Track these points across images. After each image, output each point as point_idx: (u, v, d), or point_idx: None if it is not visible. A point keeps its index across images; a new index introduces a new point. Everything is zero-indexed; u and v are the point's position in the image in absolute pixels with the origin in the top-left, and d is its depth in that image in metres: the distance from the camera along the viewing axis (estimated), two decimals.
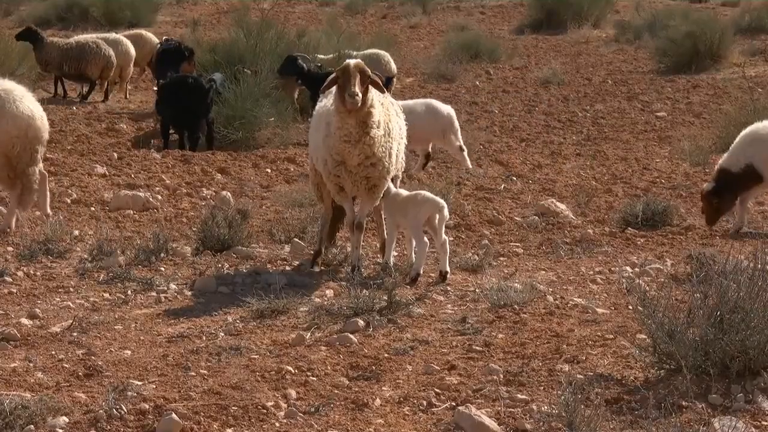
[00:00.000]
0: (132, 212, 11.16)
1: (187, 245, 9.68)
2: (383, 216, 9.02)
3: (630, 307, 7.36)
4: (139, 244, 9.49)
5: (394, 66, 18.46)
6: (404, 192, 8.93)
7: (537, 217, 11.06)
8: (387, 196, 8.77)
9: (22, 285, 8.51)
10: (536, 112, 18.29)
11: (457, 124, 13.59)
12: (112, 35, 19.84)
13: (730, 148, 10.55)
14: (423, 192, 8.91)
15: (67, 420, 5.65)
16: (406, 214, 8.66)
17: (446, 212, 8.68)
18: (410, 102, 13.59)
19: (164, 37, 19.89)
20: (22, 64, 19.03)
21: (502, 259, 9.50)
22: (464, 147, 13.57)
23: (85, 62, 18.17)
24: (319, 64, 17.55)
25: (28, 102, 10.11)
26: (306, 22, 29.81)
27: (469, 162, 13.56)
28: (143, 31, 21.58)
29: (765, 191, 10.51)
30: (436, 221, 8.58)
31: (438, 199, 8.75)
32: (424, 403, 5.94)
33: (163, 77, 16.05)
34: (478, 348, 6.82)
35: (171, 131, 15.23)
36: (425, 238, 8.56)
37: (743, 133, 10.60)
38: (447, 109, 13.64)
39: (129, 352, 6.88)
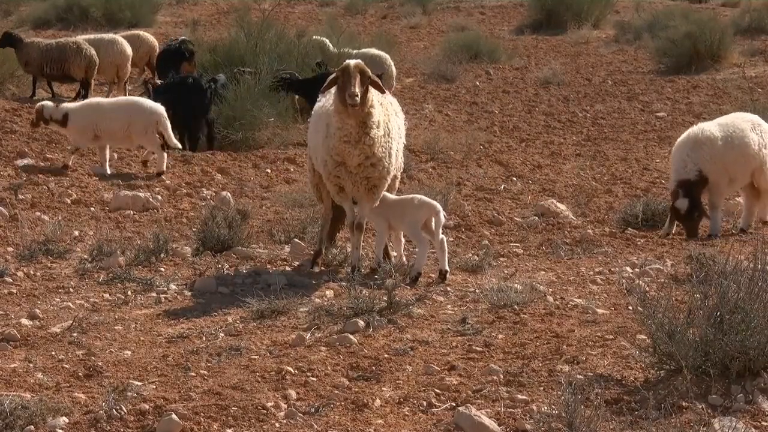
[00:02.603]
0: (132, 213, 11.16)
1: (187, 245, 9.68)
2: (374, 218, 8.98)
3: (630, 308, 7.36)
4: (139, 244, 9.50)
5: (393, 69, 18.48)
6: (391, 196, 8.90)
7: (537, 218, 11.07)
8: (381, 200, 8.79)
9: (22, 285, 8.51)
10: (536, 112, 18.29)
11: (167, 122, 13.11)
12: (109, 35, 19.86)
13: (677, 158, 10.41)
14: (419, 196, 8.93)
15: (67, 420, 5.65)
16: (403, 218, 8.68)
17: (442, 215, 8.71)
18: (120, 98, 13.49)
19: (180, 37, 20.01)
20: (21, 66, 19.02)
21: (502, 259, 9.51)
22: (176, 145, 13.18)
23: (67, 63, 18.12)
24: (318, 61, 17.59)
25: None
26: (306, 23, 29.80)
27: (164, 165, 13.03)
28: (141, 32, 21.58)
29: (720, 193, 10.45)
30: (433, 224, 8.61)
31: (434, 202, 8.77)
32: (424, 403, 5.94)
33: (164, 78, 16.05)
34: (478, 348, 6.82)
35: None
36: (425, 237, 8.58)
37: (682, 140, 10.48)
38: (155, 106, 13.21)
39: (129, 352, 6.88)
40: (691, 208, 10.19)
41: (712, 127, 10.52)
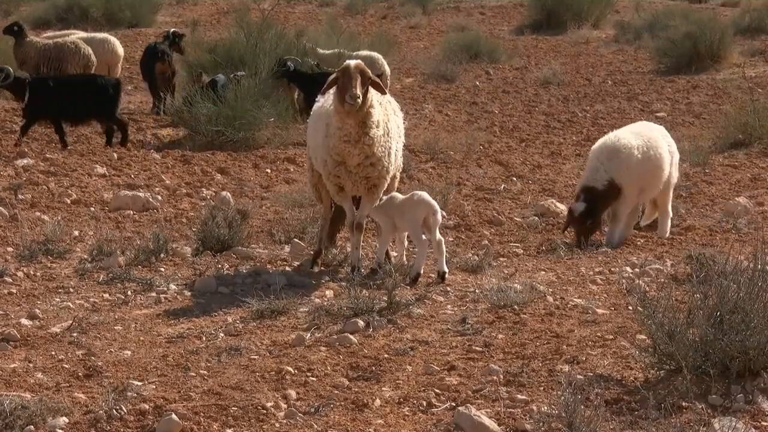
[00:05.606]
0: (132, 212, 11.16)
1: (187, 246, 9.68)
2: (380, 218, 8.99)
3: (630, 308, 7.37)
4: (139, 244, 9.49)
5: (387, 68, 18.47)
6: (400, 196, 8.93)
7: (537, 218, 11.07)
8: (389, 200, 8.80)
9: (22, 285, 8.51)
10: (536, 112, 18.29)
11: None
12: (100, 35, 19.89)
13: (589, 165, 10.15)
14: (418, 192, 8.91)
15: (67, 420, 5.66)
16: (403, 216, 8.69)
17: (439, 215, 8.71)
18: None
19: (172, 30, 20.03)
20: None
21: (501, 259, 9.50)
22: None
23: (65, 63, 18.10)
24: (316, 63, 17.57)
25: None
26: (306, 23, 29.80)
27: None
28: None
29: (625, 205, 10.24)
30: (431, 222, 8.61)
31: (432, 201, 8.76)
32: (424, 403, 5.94)
33: (147, 76, 16.15)
34: (478, 348, 6.82)
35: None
36: (424, 237, 8.59)
37: (598, 148, 10.20)
38: None
39: (129, 352, 6.89)
40: (586, 214, 9.86)
41: (627, 135, 10.22)
